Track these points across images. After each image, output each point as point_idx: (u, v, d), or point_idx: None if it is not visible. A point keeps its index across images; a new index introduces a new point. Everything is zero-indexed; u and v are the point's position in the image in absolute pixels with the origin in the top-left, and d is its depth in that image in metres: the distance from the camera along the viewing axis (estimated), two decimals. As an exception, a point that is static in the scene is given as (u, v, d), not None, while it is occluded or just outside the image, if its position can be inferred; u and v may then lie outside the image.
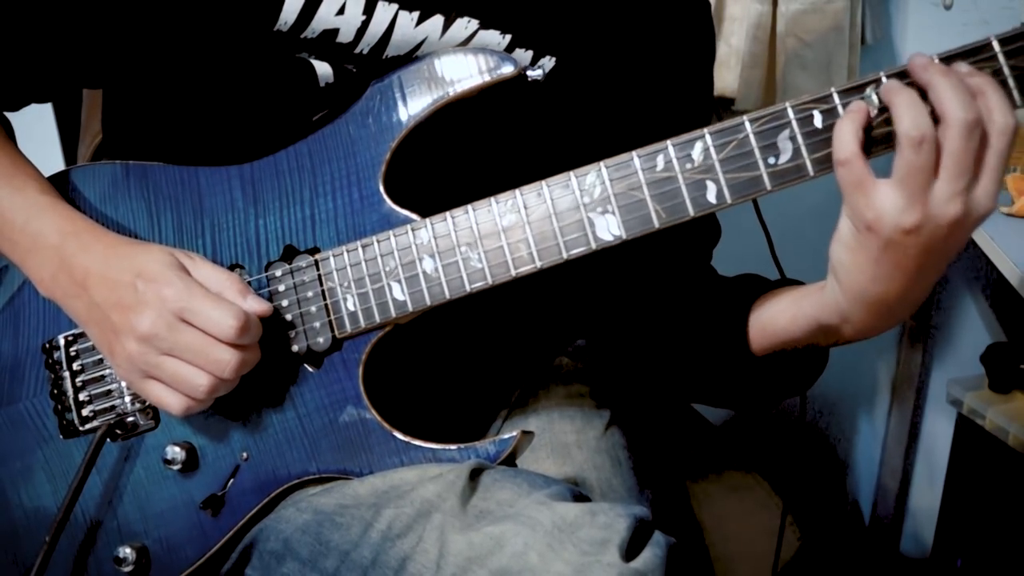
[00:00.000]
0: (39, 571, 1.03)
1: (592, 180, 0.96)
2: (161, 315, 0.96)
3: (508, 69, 1.01)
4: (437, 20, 1.05)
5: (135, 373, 1.00)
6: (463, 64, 1.01)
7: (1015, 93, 0.88)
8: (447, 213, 0.99)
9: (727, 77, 1.95)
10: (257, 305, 1.00)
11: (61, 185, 1.10)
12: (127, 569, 1.06)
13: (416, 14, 1.05)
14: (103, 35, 1.07)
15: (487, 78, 1.01)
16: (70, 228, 1.04)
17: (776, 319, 1.05)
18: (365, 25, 1.04)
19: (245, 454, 1.05)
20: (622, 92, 1.14)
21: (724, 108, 1.99)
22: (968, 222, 0.87)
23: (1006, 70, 0.88)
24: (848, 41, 1.91)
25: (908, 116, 0.85)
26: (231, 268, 1.05)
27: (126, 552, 1.05)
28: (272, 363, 1.03)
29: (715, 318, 1.10)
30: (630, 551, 0.89)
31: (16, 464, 1.10)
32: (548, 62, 1.09)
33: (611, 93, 1.14)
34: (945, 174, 0.85)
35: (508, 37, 1.07)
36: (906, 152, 0.85)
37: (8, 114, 1.16)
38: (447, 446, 1.01)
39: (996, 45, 0.89)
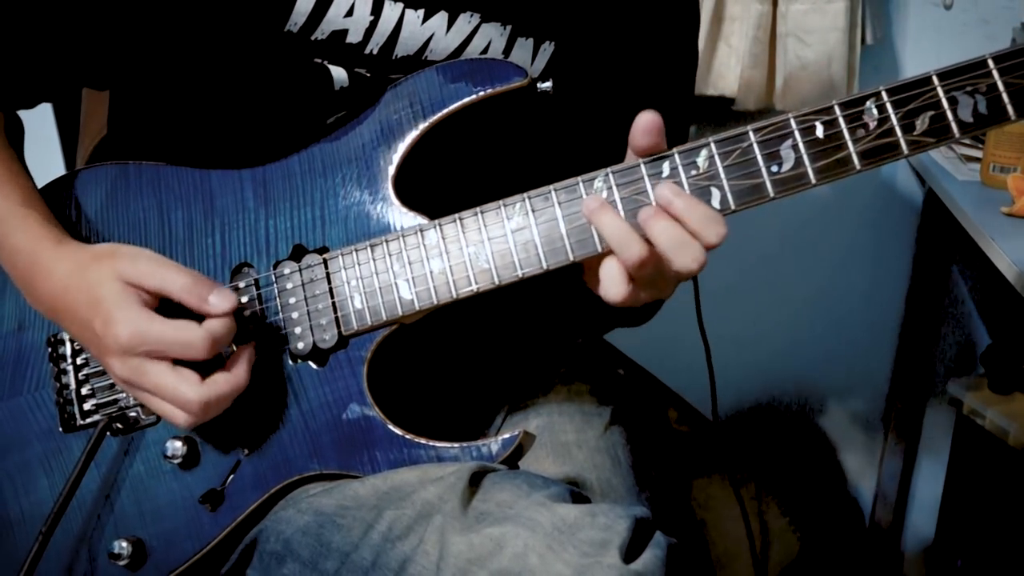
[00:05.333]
0: (32, 563, 1.03)
1: (599, 185, 0.97)
2: (125, 362, 0.97)
3: (519, 80, 1.02)
4: (442, 17, 1.06)
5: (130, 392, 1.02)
6: (475, 73, 1.02)
7: (1009, 108, 0.92)
8: (456, 215, 1.00)
9: (727, 77, 1.96)
10: (222, 302, 0.98)
11: (72, 185, 1.11)
12: (122, 563, 1.06)
13: (421, 11, 1.06)
14: (116, 34, 1.08)
15: (498, 87, 1.02)
16: (36, 246, 1.04)
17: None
18: (373, 25, 1.05)
19: (246, 450, 1.05)
20: (619, 72, 1.16)
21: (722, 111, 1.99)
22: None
23: (1000, 86, 0.91)
24: (848, 41, 1.92)
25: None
26: (240, 267, 1.06)
27: (122, 546, 1.05)
28: (276, 359, 1.04)
29: None
30: (630, 552, 0.89)
31: (15, 458, 1.10)
32: (548, 46, 1.11)
33: (610, 77, 1.15)
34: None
35: (508, 28, 1.09)
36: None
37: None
38: (449, 444, 1.01)
39: (991, 63, 0.92)
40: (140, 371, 0.97)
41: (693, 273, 0.93)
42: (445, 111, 1.03)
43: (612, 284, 0.95)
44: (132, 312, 0.97)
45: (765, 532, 1.46)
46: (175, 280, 0.98)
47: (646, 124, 0.94)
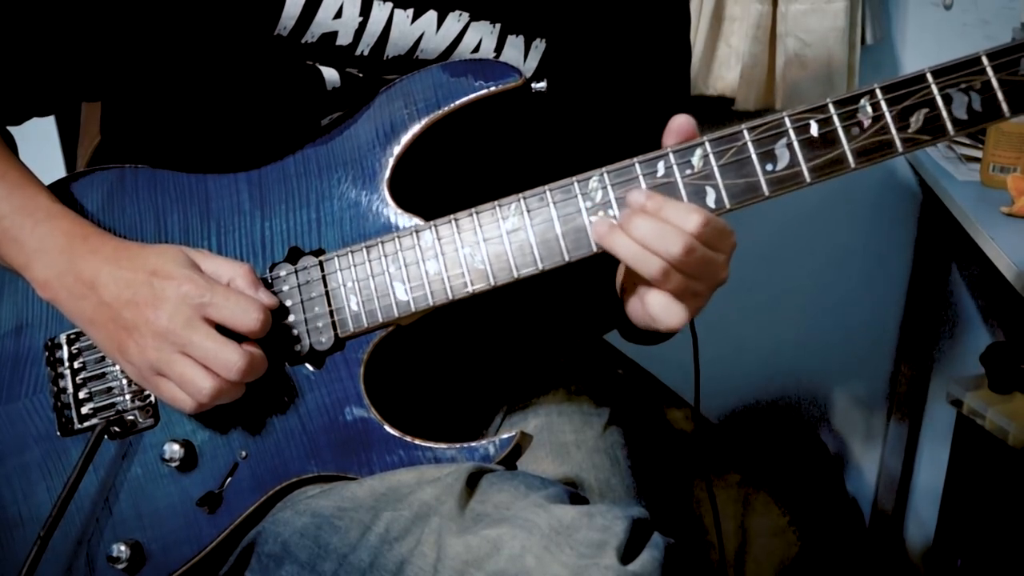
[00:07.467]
0: (31, 567, 1.03)
1: (594, 185, 0.97)
2: (179, 310, 0.97)
3: (513, 80, 1.02)
4: (431, 16, 1.07)
5: (147, 370, 1.00)
6: (469, 73, 1.03)
7: (1004, 105, 0.92)
8: (451, 216, 1.01)
9: (727, 77, 1.96)
10: (267, 298, 1.01)
11: (69, 189, 1.11)
12: (120, 566, 1.06)
13: (411, 11, 1.06)
14: (104, 47, 1.08)
15: (492, 88, 1.02)
16: (79, 232, 1.04)
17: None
18: (363, 26, 1.05)
19: (244, 452, 1.05)
20: (613, 70, 1.16)
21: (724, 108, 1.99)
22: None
23: (995, 83, 0.92)
24: (848, 41, 1.92)
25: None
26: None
27: (120, 550, 1.05)
28: (274, 362, 1.03)
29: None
30: (628, 553, 0.89)
31: (13, 462, 1.10)
32: (540, 43, 1.11)
33: (603, 75, 1.16)
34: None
35: (498, 26, 1.09)
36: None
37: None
38: (447, 445, 1.01)
39: (985, 60, 0.93)
40: (191, 325, 0.97)
41: (681, 260, 0.93)
42: (440, 112, 1.03)
43: (664, 310, 0.97)
44: (195, 273, 0.99)
45: (746, 531, 1.46)
46: (231, 266, 1.01)
47: (679, 128, 0.96)
